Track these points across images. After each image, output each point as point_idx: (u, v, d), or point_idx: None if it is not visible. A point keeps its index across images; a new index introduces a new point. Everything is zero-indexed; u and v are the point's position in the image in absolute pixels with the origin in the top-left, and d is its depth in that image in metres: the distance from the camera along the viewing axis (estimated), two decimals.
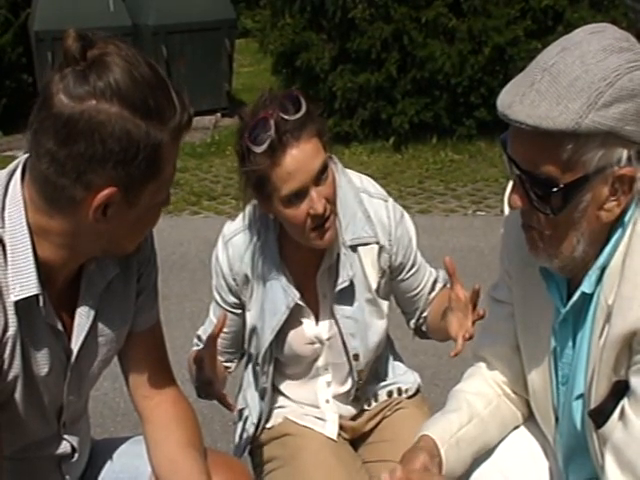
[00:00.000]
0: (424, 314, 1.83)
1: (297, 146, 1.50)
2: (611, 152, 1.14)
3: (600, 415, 1.26)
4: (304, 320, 1.71)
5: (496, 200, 5.00)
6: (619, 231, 1.23)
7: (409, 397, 1.87)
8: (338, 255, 1.68)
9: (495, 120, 4.65)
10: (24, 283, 1.17)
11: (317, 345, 1.72)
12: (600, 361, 1.23)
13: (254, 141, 1.51)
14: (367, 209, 1.70)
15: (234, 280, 1.69)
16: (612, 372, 1.23)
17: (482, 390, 1.50)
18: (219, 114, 6.64)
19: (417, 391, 1.89)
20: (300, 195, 1.53)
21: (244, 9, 9.41)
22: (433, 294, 1.82)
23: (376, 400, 1.84)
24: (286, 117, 1.50)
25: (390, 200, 1.74)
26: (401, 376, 1.87)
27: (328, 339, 1.72)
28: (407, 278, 1.77)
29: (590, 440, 1.31)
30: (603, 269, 1.24)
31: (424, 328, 1.85)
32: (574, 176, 1.16)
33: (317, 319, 1.73)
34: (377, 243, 1.69)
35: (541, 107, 1.13)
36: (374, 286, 1.72)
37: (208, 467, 1.38)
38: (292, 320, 1.70)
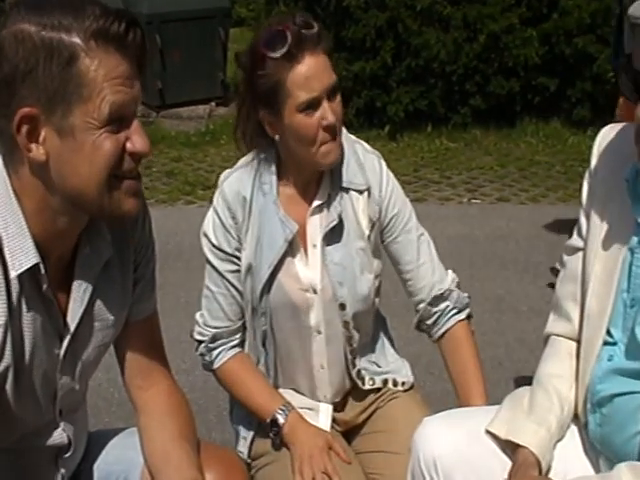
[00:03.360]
0: (427, 321, 1.79)
1: (314, 55, 1.57)
2: None
3: None
4: (297, 262, 1.69)
5: (491, 188, 5.00)
6: None
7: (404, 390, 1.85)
8: (329, 195, 1.69)
9: (490, 108, 4.64)
10: (23, 256, 1.16)
11: (310, 294, 1.70)
12: None
13: (271, 48, 1.56)
14: (360, 158, 1.72)
15: (233, 219, 1.69)
16: None
17: (565, 370, 1.51)
18: (213, 103, 6.61)
19: (411, 386, 1.87)
20: (313, 105, 1.58)
21: None
22: (439, 308, 1.76)
23: (371, 383, 1.81)
24: (303, 31, 1.56)
25: (383, 161, 1.76)
26: (393, 364, 1.86)
27: (321, 290, 1.70)
28: (399, 239, 1.75)
29: None
30: None
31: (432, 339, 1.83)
32: None
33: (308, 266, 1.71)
34: (368, 190, 1.71)
35: None
36: (367, 233, 1.72)
37: (200, 459, 1.37)
38: (286, 261, 1.68)
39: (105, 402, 2.72)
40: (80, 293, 1.28)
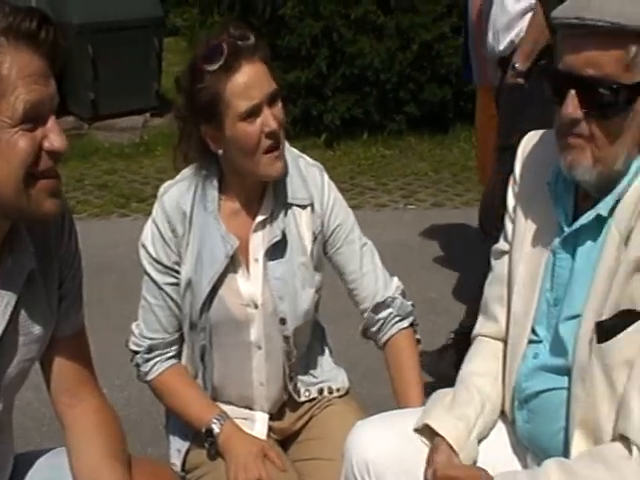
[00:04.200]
0: (371, 328, 1.81)
1: (251, 64, 1.58)
2: None
3: (604, 331, 1.32)
4: (239, 277, 1.69)
5: (426, 194, 5.08)
6: None
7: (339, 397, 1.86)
8: (273, 211, 1.69)
9: (424, 115, 4.66)
10: None
11: (251, 309, 1.70)
12: (610, 287, 1.31)
13: (208, 61, 1.57)
14: (303, 172, 1.73)
15: (173, 232, 1.68)
16: (622, 299, 1.30)
17: (488, 368, 1.55)
18: (148, 114, 6.53)
19: (346, 392, 1.88)
20: (254, 112, 1.58)
21: (172, 7, 9.28)
22: (382, 316, 1.77)
23: (307, 395, 1.82)
24: (239, 42, 1.57)
25: (325, 173, 1.77)
26: (329, 372, 1.87)
27: (262, 304, 1.70)
28: (342, 250, 1.76)
29: (579, 360, 1.35)
30: (619, 197, 1.33)
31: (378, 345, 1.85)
32: (633, 79, 1.27)
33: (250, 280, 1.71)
34: (311, 205, 1.71)
35: (614, 5, 1.24)
36: (309, 248, 1.72)
37: (131, 476, 1.35)
38: (228, 276, 1.68)
39: (35, 422, 2.66)
40: (2, 306, 1.25)
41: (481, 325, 1.61)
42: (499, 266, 1.57)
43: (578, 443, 1.35)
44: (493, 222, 2.40)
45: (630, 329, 1.30)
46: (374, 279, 1.78)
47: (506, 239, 1.56)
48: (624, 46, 1.25)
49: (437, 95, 5.87)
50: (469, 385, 1.53)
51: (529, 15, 2.77)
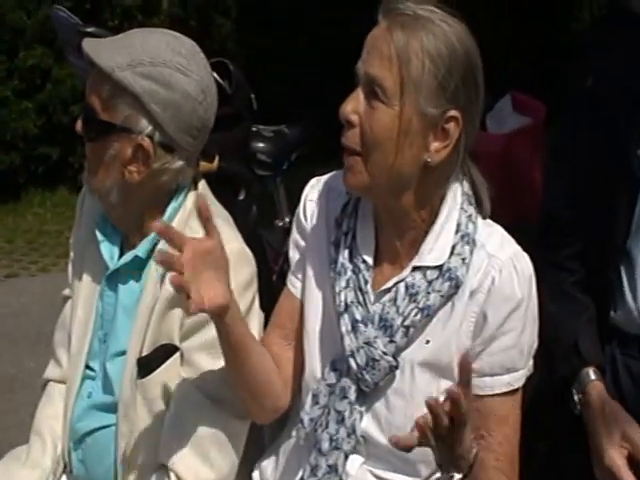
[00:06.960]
0: None
1: None
2: (137, 118, 1.34)
3: (144, 367, 1.38)
4: None
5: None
6: (173, 206, 1.41)
7: None
8: None
9: None
10: None
11: None
12: (149, 323, 1.37)
13: None
14: None
15: None
16: (160, 335, 1.37)
17: (57, 411, 1.53)
18: None
19: None
20: None
21: None
22: None
23: None
24: None
25: None
26: None
27: None
28: None
29: (124, 396, 1.40)
30: (155, 241, 1.39)
31: None
32: (108, 118, 1.35)
33: None
34: None
35: (103, 49, 1.35)
36: None
37: None
38: None
39: None
40: None
41: (49, 370, 1.62)
42: (65, 310, 1.60)
43: (125, 478, 1.41)
44: None
45: (168, 362, 1.37)
46: None
47: (70, 285, 1.58)
48: (102, 82, 1.34)
49: (5, 162, 5.53)
50: (42, 430, 1.53)
51: None
